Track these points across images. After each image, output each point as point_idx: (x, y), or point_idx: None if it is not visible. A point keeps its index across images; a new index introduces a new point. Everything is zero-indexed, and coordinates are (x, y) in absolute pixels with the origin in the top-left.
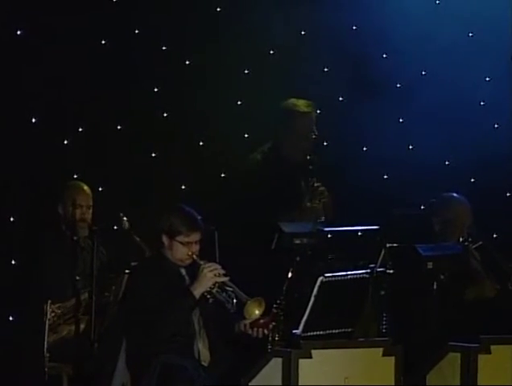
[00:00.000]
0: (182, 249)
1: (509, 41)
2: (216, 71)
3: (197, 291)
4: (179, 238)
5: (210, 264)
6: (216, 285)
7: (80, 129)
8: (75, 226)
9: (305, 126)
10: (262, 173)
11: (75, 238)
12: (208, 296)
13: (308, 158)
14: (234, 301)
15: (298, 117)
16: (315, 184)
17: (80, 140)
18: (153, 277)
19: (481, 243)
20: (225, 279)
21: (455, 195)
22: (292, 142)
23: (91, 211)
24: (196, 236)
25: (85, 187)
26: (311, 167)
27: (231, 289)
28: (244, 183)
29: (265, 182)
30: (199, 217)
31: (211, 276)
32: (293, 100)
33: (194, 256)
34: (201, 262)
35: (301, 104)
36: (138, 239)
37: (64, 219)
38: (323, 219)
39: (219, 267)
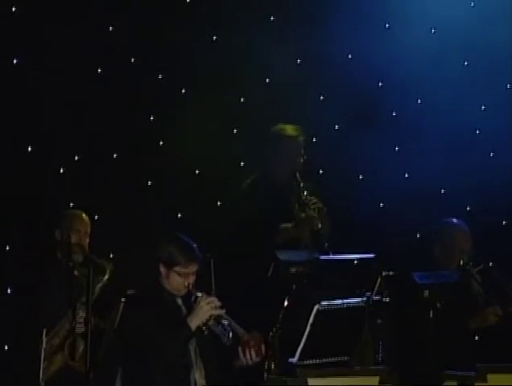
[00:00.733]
0: (179, 280)
1: (505, 70)
2: (211, 100)
3: (193, 323)
4: (177, 269)
5: (207, 296)
6: (212, 317)
7: (76, 158)
8: (70, 251)
9: (293, 150)
10: (253, 198)
11: (70, 264)
12: (204, 328)
13: (297, 175)
14: (230, 334)
15: (285, 141)
16: (309, 197)
17: (76, 168)
18: (149, 306)
19: (482, 266)
20: (222, 312)
21: (454, 220)
22: (281, 166)
23: (88, 238)
24: (193, 268)
25: (84, 215)
26: (301, 185)
27: (227, 322)
28: (237, 210)
29: (257, 207)
30: (196, 247)
31: (207, 308)
32: (281, 125)
33: (190, 287)
34: (198, 293)
35: (288, 129)
36: (97, 258)
37: (60, 245)
38: (320, 226)
39: (216, 299)
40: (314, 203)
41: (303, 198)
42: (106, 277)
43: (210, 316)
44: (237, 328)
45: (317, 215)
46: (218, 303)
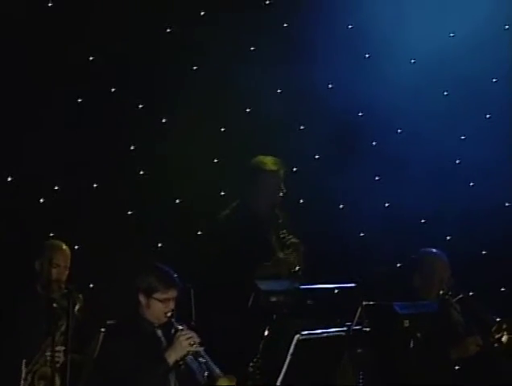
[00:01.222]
0: (159, 306)
1: (484, 100)
2: (192, 129)
3: (171, 358)
4: (157, 295)
5: (186, 331)
6: (190, 353)
7: (56, 188)
8: (50, 285)
9: (272, 184)
10: (231, 229)
11: (51, 296)
12: (181, 363)
13: (276, 210)
14: (206, 373)
15: (265, 175)
16: (288, 236)
17: (56, 198)
18: (129, 337)
19: (461, 296)
20: (200, 349)
21: (433, 250)
22: (259, 199)
23: (67, 271)
24: (173, 293)
25: (64, 247)
26: (280, 221)
27: (204, 360)
28: (216, 240)
29: (235, 238)
30: (175, 274)
31: (186, 344)
32: (261, 158)
33: (172, 320)
34: (178, 326)
35: (268, 162)
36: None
37: (40, 277)
38: (297, 268)
39: (195, 335)
40: (292, 243)
41: (282, 236)
42: (77, 307)
43: (188, 352)
44: (213, 368)
45: (296, 256)
46: (197, 339)
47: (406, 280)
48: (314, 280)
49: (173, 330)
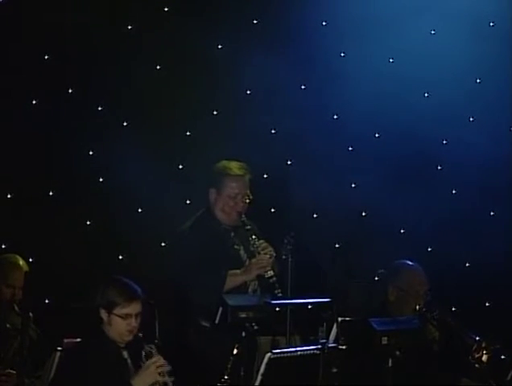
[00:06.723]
0: (121, 323)
1: (467, 101)
2: (155, 133)
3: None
4: (117, 310)
5: (158, 358)
6: (158, 384)
7: (9, 196)
8: (3, 305)
9: (238, 190)
10: (196, 240)
11: (2, 316)
12: None
13: (243, 217)
14: None
15: (230, 180)
16: (257, 242)
17: (10, 207)
18: (90, 359)
19: (437, 312)
20: (168, 380)
21: (408, 262)
22: (225, 205)
23: (21, 291)
24: (135, 307)
25: (21, 263)
26: (249, 227)
27: None
28: (180, 253)
29: (200, 249)
30: (138, 288)
31: (155, 373)
32: (224, 163)
33: (140, 334)
34: (151, 349)
35: (233, 167)
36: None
37: None
38: (270, 273)
39: (166, 364)
40: (264, 248)
41: (252, 242)
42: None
43: (156, 381)
44: None
45: (268, 259)
46: (167, 367)
47: (381, 294)
48: (286, 294)
49: (143, 353)
